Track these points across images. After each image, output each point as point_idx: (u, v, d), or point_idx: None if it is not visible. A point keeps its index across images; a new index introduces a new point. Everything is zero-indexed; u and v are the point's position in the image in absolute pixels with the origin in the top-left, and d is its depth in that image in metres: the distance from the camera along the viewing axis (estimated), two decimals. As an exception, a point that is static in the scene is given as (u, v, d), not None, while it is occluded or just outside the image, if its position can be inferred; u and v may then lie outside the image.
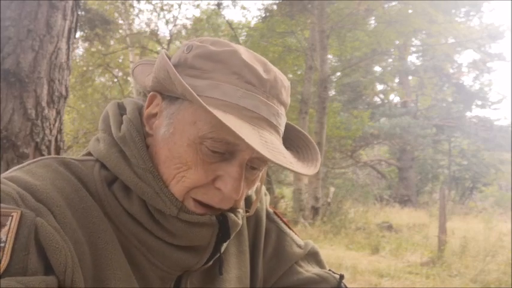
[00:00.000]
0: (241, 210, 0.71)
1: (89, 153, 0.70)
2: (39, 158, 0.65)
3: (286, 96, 0.69)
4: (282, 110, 0.68)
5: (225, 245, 0.71)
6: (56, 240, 0.54)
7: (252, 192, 0.79)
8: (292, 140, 0.76)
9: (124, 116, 0.69)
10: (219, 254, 0.70)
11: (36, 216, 0.54)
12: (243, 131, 0.58)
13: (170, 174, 0.63)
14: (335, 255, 7.20)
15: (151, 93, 0.68)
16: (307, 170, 0.69)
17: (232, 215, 0.67)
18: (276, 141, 0.64)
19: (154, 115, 0.68)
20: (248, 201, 0.81)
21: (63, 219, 0.58)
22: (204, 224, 0.64)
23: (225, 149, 0.62)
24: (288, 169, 0.61)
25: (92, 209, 0.62)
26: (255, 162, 0.66)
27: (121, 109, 0.72)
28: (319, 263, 0.86)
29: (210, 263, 0.71)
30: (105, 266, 0.60)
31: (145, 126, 0.68)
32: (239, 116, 0.61)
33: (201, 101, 0.57)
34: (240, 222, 0.69)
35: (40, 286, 0.50)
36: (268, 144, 0.60)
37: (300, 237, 0.89)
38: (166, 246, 0.65)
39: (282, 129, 0.68)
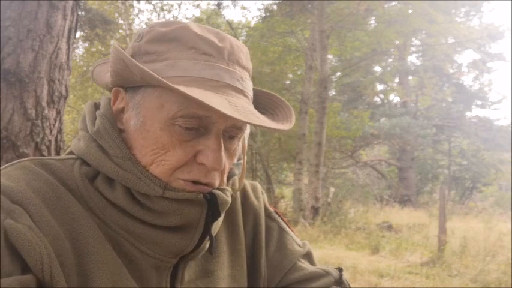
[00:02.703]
0: (230, 189, 0.71)
1: (71, 153, 0.70)
2: (17, 160, 0.66)
3: (247, 61, 0.69)
4: (245, 75, 0.67)
5: (215, 224, 0.70)
6: (27, 239, 0.54)
7: (237, 169, 0.79)
8: (265, 104, 0.77)
9: (97, 112, 0.70)
10: (209, 235, 0.69)
11: (5, 219, 0.55)
12: (210, 100, 0.58)
13: (148, 160, 0.64)
14: (335, 255, 7.19)
15: (113, 89, 0.68)
16: (281, 125, 0.69)
17: (220, 193, 0.67)
18: (246, 104, 0.64)
19: (122, 110, 0.68)
20: (234, 181, 0.81)
21: (40, 218, 0.58)
22: (192, 201, 0.64)
23: (198, 124, 0.63)
24: (262, 127, 0.62)
25: (71, 205, 0.62)
26: (232, 131, 0.66)
27: (97, 107, 0.73)
28: (312, 263, 0.87)
29: (206, 246, 0.70)
30: (88, 260, 0.60)
31: (117, 122, 0.68)
32: (204, 88, 0.61)
33: (161, 78, 0.57)
34: (229, 200, 0.69)
35: (14, 286, 0.50)
36: (238, 108, 0.61)
37: (299, 237, 0.90)
38: (155, 231, 0.64)
39: (249, 93, 0.68)
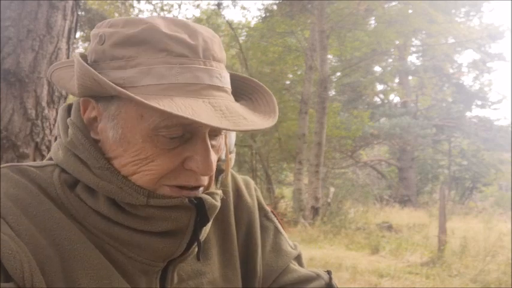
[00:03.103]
0: (219, 192, 0.69)
1: (51, 158, 0.68)
2: None
3: (221, 52, 0.65)
4: (222, 68, 0.64)
5: (205, 229, 0.69)
6: (8, 247, 0.54)
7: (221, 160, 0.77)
8: (242, 89, 0.73)
9: (68, 120, 0.67)
10: (198, 240, 0.67)
11: None
12: (196, 110, 0.55)
13: (129, 170, 0.61)
14: (335, 255, 7.19)
15: (82, 99, 0.64)
16: (269, 121, 0.66)
17: (208, 197, 0.65)
18: (231, 103, 0.62)
19: (95, 119, 0.64)
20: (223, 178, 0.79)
21: (18, 226, 0.57)
22: (178, 207, 0.62)
23: (183, 131, 0.60)
24: (256, 130, 0.60)
25: (52, 212, 0.60)
26: (216, 130, 0.64)
27: (69, 112, 0.69)
28: (302, 265, 0.87)
29: (195, 250, 0.69)
30: (75, 266, 0.59)
31: (90, 132, 0.65)
32: (184, 94, 0.58)
33: (144, 101, 0.54)
34: (219, 204, 0.67)
35: None
36: (224, 111, 0.58)
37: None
38: (142, 236, 0.63)
39: (229, 85, 0.65)
